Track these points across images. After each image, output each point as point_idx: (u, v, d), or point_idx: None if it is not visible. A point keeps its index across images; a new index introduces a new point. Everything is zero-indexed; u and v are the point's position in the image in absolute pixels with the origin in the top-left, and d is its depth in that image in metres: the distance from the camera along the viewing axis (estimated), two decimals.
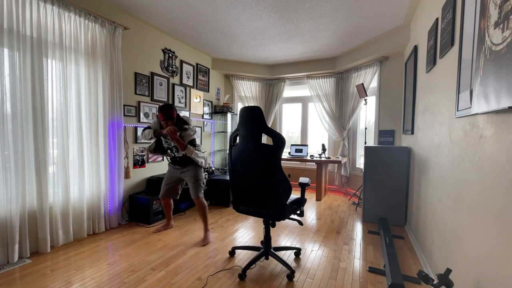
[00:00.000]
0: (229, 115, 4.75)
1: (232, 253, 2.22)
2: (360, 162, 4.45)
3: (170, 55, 3.65)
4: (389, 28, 3.32)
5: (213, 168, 4.40)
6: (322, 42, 3.79)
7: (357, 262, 2.11)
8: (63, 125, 2.33)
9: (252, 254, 2.26)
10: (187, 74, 4.01)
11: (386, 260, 1.96)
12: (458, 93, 1.39)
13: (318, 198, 4.14)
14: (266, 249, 2.07)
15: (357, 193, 4.20)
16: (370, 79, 3.91)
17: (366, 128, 3.93)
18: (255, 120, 1.78)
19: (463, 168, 1.32)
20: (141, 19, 3.15)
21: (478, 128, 1.16)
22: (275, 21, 3.12)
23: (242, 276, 1.85)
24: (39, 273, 1.88)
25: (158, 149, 2.57)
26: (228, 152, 2.09)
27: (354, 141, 4.56)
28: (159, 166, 3.52)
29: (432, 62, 1.99)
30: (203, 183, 2.58)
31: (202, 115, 4.42)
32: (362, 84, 3.59)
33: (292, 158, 4.39)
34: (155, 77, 3.40)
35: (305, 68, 4.72)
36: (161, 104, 3.49)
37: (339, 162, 4.08)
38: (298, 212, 2.07)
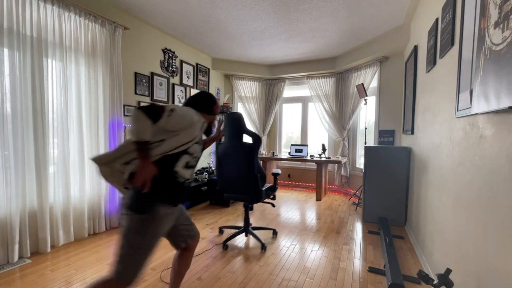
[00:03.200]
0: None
1: (221, 231, 2.72)
2: (360, 162, 4.45)
3: (170, 55, 3.65)
4: (389, 28, 3.32)
5: (213, 168, 4.39)
6: (322, 42, 3.79)
7: (357, 262, 2.11)
8: (63, 125, 2.33)
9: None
10: (187, 74, 4.01)
11: (386, 260, 1.96)
12: (458, 93, 1.39)
13: (318, 198, 4.14)
14: (245, 227, 2.55)
15: (357, 193, 4.20)
16: (370, 79, 3.91)
17: (366, 128, 3.93)
18: (237, 123, 2.22)
19: (463, 168, 1.32)
20: (141, 19, 3.15)
21: (478, 128, 1.16)
22: (275, 21, 3.12)
23: (224, 246, 2.34)
24: (39, 273, 1.88)
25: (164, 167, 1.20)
26: (215, 148, 2.42)
27: (354, 141, 4.56)
28: None
29: (432, 62, 1.99)
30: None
31: None
32: (362, 84, 3.59)
33: (292, 158, 4.39)
34: (155, 77, 3.40)
35: (305, 68, 4.72)
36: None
37: (339, 162, 4.08)
38: (272, 196, 2.59)
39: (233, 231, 2.77)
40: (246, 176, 2.27)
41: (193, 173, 1.32)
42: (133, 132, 1.06)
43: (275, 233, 2.69)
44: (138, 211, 1.07)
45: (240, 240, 2.57)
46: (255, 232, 2.72)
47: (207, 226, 2.91)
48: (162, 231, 1.17)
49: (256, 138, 2.21)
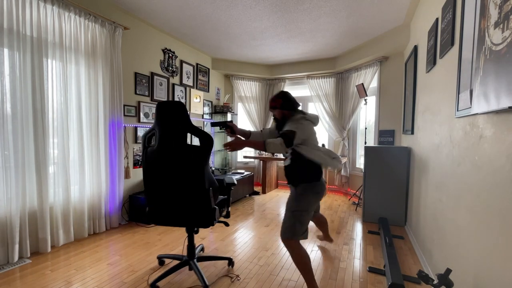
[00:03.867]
0: (229, 115, 4.75)
1: (161, 262, 2.02)
2: (360, 162, 4.45)
3: (170, 55, 3.65)
4: (389, 28, 3.32)
5: (213, 168, 4.40)
6: (322, 42, 3.79)
7: (357, 262, 2.11)
8: (63, 125, 2.33)
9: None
10: (187, 74, 4.01)
11: (386, 260, 1.96)
12: (458, 93, 1.39)
13: None
14: (188, 258, 1.84)
15: (357, 193, 4.20)
16: (370, 79, 3.91)
17: (366, 128, 3.93)
18: (178, 118, 1.56)
19: (463, 168, 1.32)
20: (141, 19, 3.15)
21: (478, 128, 1.16)
22: (275, 21, 3.12)
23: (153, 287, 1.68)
24: (39, 273, 1.88)
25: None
26: (142, 154, 1.66)
27: (354, 141, 4.56)
28: None
29: (432, 62, 1.99)
30: (301, 218, 1.60)
31: (202, 115, 4.42)
32: (362, 84, 3.59)
33: None
34: (155, 77, 3.40)
35: (305, 68, 4.72)
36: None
37: None
38: (225, 213, 1.96)
39: (176, 262, 2.02)
40: (190, 193, 1.61)
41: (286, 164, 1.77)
42: None
43: (231, 263, 2.00)
44: None
45: (181, 277, 1.85)
46: (203, 264, 1.99)
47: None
48: None
49: (207, 139, 1.59)
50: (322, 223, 2.32)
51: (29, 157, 2.11)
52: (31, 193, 2.14)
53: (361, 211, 3.53)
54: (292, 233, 1.57)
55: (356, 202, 3.91)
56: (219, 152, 4.95)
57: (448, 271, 1.17)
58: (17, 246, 2.00)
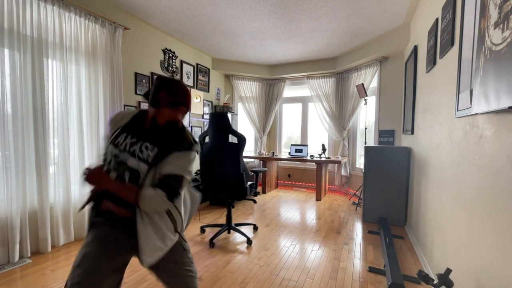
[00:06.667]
0: (229, 115, 4.74)
1: (202, 230, 2.73)
2: (360, 162, 4.45)
3: (170, 55, 3.65)
4: (389, 28, 3.32)
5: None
6: (322, 42, 3.79)
7: (357, 262, 2.12)
8: (63, 125, 2.33)
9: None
10: (187, 74, 4.01)
11: (386, 260, 1.96)
12: (458, 93, 1.40)
13: (318, 198, 4.14)
14: (228, 225, 2.64)
15: (357, 193, 4.20)
16: (370, 79, 3.91)
17: (366, 128, 3.93)
18: (222, 124, 2.30)
19: (463, 168, 1.32)
20: (141, 19, 3.15)
21: (478, 128, 1.16)
22: (275, 21, 3.12)
23: (211, 244, 2.38)
24: (39, 273, 1.88)
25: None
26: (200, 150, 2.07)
27: (354, 141, 4.56)
28: None
29: (432, 62, 1.99)
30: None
31: (202, 115, 4.42)
32: (362, 84, 3.59)
33: (292, 158, 4.39)
34: (155, 77, 3.40)
35: (305, 68, 4.72)
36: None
37: (339, 162, 4.08)
38: (253, 193, 2.75)
39: (216, 229, 2.78)
40: (232, 175, 2.37)
41: (118, 175, 1.02)
42: None
43: (255, 228, 2.84)
44: None
45: (225, 236, 2.66)
46: (238, 228, 2.67)
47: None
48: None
49: (242, 138, 2.30)
50: None
51: (29, 157, 2.11)
52: (32, 193, 2.14)
53: (361, 211, 3.53)
54: None
55: (356, 202, 3.91)
56: None
57: (448, 271, 1.17)
58: (17, 246, 2.00)
